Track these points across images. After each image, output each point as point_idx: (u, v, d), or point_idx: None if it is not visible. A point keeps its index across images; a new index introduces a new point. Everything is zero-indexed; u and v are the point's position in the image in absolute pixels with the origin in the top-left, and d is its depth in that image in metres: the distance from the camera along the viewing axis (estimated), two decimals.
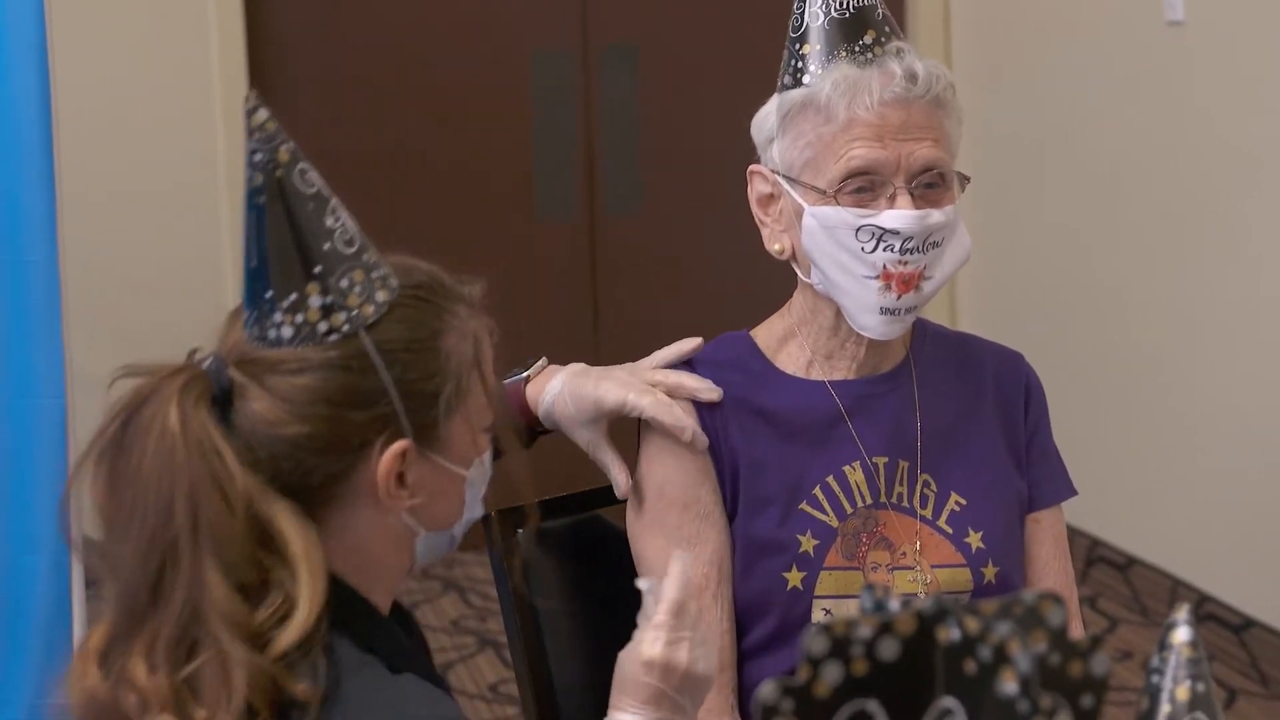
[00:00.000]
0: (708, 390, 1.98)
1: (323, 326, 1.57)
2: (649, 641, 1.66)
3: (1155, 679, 1.28)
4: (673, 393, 1.98)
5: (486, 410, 1.67)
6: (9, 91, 2.59)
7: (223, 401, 1.58)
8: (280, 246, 1.57)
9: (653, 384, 1.98)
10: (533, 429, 2.05)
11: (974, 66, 4.78)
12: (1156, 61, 4.16)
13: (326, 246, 1.57)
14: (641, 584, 1.71)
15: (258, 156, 1.57)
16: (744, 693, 1.98)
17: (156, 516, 1.52)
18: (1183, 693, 1.27)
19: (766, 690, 1.02)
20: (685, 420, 1.95)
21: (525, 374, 2.02)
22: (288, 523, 1.54)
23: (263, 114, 1.57)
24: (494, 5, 4.78)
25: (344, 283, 1.57)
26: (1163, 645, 1.29)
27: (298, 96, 4.72)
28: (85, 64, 4.24)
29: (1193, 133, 4.06)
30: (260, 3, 4.64)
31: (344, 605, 1.60)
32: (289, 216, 1.57)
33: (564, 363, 2.07)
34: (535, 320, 4.81)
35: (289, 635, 1.51)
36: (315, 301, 1.56)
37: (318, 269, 1.57)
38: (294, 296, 1.57)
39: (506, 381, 2.02)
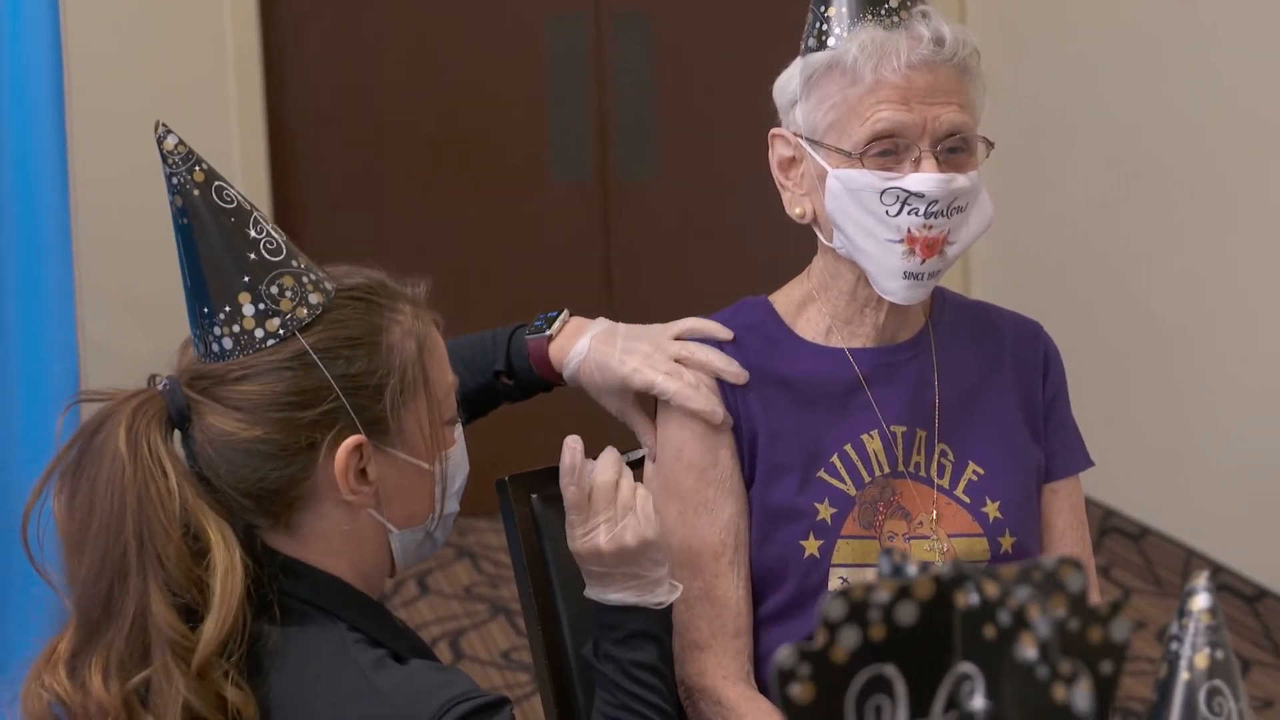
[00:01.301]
0: (735, 374, 1.97)
1: (259, 332, 1.63)
2: (570, 540, 1.83)
3: (1174, 646, 1.28)
4: (697, 370, 1.97)
5: (447, 402, 1.72)
6: (21, 64, 2.59)
7: (180, 421, 1.64)
8: (209, 262, 1.64)
9: (676, 358, 1.97)
10: (555, 385, 2.05)
11: (989, 37, 4.76)
12: (1172, 33, 4.14)
13: (253, 256, 1.64)
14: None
15: (175, 180, 1.64)
16: (760, 659, 1.98)
17: (107, 535, 1.59)
18: (1202, 660, 1.27)
19: (784, 655, 1.02)
20: (715, 405, 1.95)
21: (548, 332, 2.02)
22: (218, 542, 1.59)
23: (173, 139, 1.64)
24: None
25: (274, 289, 1.63)
26: (1182, 612, 1.29)
27: (311, 65, 4.72)
28: (98, 35, 4.24)
29: (1211, 102, 4.05)
30: None
31: (353, 605, 1.68)
32: (212, 232, 1.64)
33: None
34: (549, 283, 4.82)
35: (201, 651, 1.57)
36: (249, 310, 1.63)
37: (246, 278, 1.63)
38: (228, 308, 1.63)
39: (529, 338, 2.02)
